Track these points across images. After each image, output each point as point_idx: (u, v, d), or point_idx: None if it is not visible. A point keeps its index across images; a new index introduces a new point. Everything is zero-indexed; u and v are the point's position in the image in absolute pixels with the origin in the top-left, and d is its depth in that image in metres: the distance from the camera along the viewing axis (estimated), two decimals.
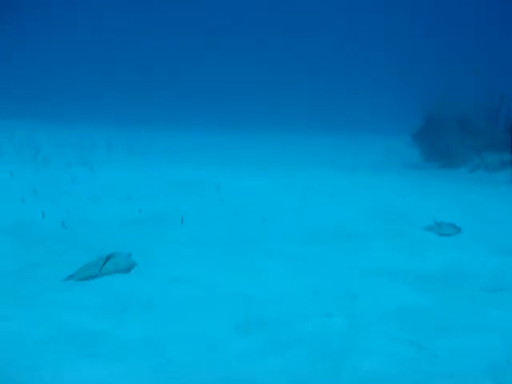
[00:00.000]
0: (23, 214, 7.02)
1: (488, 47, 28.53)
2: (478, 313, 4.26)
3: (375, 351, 3.51)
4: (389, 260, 5.70)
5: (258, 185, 9.74)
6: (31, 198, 8.03)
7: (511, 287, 4.88)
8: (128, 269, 5.09)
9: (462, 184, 11.35)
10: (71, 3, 40.98)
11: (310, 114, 26.29)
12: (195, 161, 13.17)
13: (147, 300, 4.39)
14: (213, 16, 42.20)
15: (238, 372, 3.26)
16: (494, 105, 13.67)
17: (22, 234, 6.23)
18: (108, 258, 5.01)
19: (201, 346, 3.60)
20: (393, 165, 14.21)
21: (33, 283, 4.70)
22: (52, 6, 40.59)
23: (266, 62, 37.51)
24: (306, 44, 39.11)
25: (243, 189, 9.26)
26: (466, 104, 14.11)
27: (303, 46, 38.95)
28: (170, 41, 39.67)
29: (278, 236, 6.52)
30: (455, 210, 8.16)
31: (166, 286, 4.73)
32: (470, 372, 3.25)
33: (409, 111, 14.80)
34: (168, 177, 10.24)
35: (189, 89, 33.11)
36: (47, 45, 38.40)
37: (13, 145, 14.70)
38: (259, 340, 3.68)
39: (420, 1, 37.90)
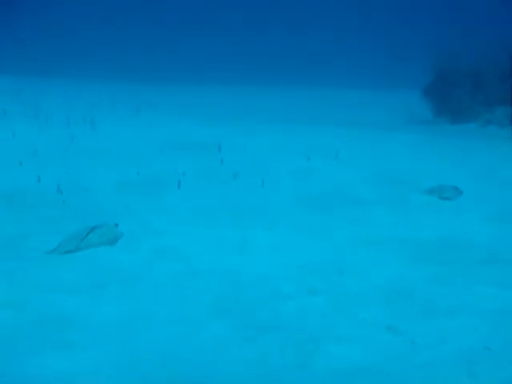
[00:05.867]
0: (19, 179, 6.91)
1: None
2: (466, 290, 4.11)
3: (350, 338, 3.37)
4: (386, 228, 5.62)
5: (261, 145, 9.57)
6: (30, 160, 7.92)
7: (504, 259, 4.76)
8: (114, 240, 4.98)
9: (472, 141, 11.13)
10: None
11: (318, 68, 25.87)
12: (200, 118, 12.99)
13: (125, 276, 4.27)
14: None
15: (207, 362, 3.14)
16: (506, 59, 13.30)
17: (15, 201, 6.13)
18: (92, 229, 4.90)
19: (171, 332, 3.46)
20: (402, 121, 13.93)
21: (14, 258, 4.59)
22: None
23: (271, 16, 36.84)
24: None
25: (245, 149, 9.08)
26: (477, 58, 13.76)
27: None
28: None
29: (276, 203, 6.39)
30: (461, 170, 8.02)
31: (148, 260, 4.63)
32: (444, 361, 3.10)
33: (419, 65, 14.43)
34: (170, 136, 10.11)
35: (198, 45, 32.63)
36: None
37: (16, 104, 14.53)
38: (234, 325, 3.55)
39: None
